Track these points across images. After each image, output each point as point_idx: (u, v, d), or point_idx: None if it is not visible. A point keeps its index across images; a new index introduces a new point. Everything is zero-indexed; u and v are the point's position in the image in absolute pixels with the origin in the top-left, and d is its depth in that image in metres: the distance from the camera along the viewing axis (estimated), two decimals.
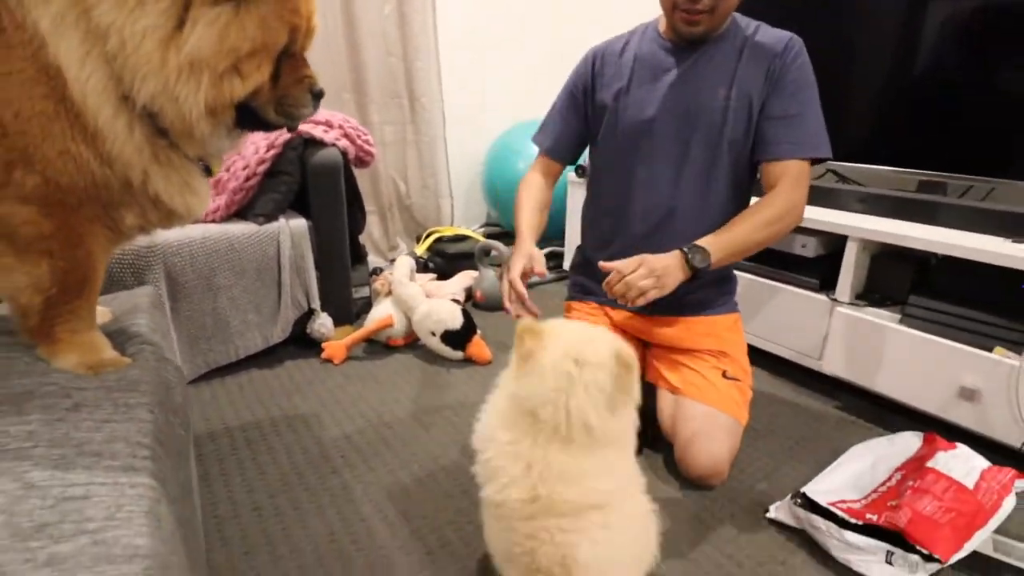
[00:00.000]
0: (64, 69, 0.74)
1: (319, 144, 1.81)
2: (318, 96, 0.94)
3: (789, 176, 1.23)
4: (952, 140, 1.65)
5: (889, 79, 1.77)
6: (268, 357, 1.88)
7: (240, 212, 1.79)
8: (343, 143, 1.87)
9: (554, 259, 2.79)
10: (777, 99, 1.25)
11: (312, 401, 1.67)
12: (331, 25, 2.52)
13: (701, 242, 1.19)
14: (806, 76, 1.25)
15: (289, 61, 0.87)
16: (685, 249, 1.17)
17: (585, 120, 1.45)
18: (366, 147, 1.97)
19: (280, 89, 0.88)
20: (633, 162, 1.37)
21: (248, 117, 0.86)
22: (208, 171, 0.93)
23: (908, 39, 1.70)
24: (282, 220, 1.82)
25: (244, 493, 1.28)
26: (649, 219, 1.36)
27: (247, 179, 1.76)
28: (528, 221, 1.40)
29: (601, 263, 1.19)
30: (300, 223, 1.85)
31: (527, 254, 1.30)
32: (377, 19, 2.62)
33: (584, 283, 1.53)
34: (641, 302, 1.14)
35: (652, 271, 1.14)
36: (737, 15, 1.32)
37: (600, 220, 1.47)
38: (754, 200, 1.30)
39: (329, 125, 1.86)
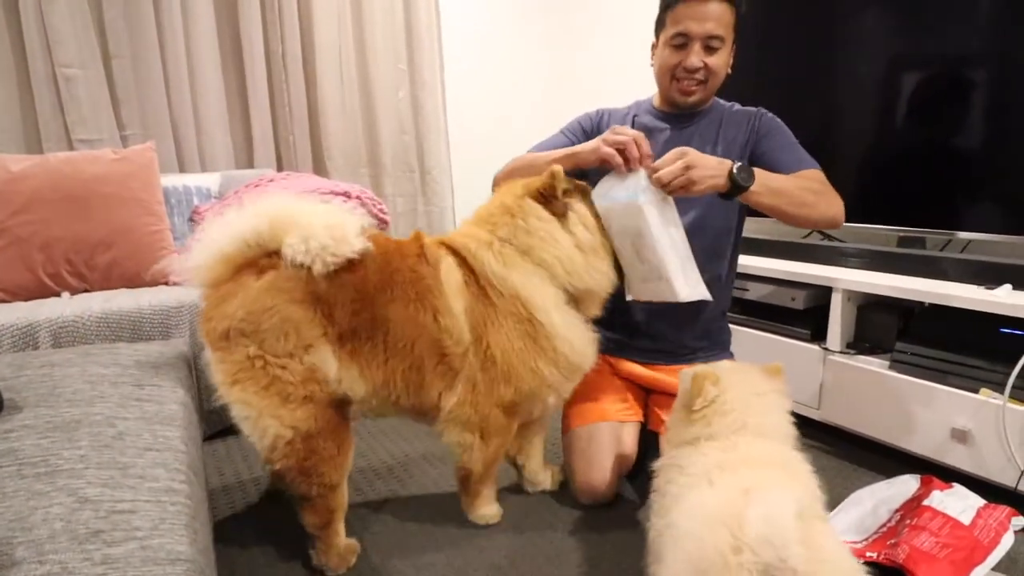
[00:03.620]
0: (540, 310, 1.19)
1: None
2: None
3: (815, 175, 1.33)
4: (928, 198, 1.77)
5: (865, 145, 1.93)
6: None
7: None
8: (359, 212, 2.01)
9: None
10: (766, 141, 1.40)
11: None
12: (350, 106, 2.75)
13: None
14: (782, 125, 1.42)
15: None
16: (735, 161, 1.20)
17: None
18: (381, 215, 2.12)
19: None
20: None
21: None
22: None
23: (883, 106, 1.86)
24: None
25: (256, 544, 1.31)
26: None
27: None
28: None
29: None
30: None
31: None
32: (392, 101, 2.85)
33: None
34: (679, 184, 1.14)
35: (684, 153, 1.16)
36: (716, 99, 1.48)
37: None
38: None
39: (347, 195, 2.01)
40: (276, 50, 2.54)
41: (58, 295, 1.76)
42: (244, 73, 2.50)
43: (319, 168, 2.72)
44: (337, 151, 2.72)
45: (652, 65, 1.46)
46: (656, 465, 1.04)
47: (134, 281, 1.82)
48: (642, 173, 1.19)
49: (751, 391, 1.00)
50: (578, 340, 1.24)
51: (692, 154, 1.16)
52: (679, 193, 1.18)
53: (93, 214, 1.79)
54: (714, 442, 0.94)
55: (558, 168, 1.22)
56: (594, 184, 1.32)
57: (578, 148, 1.33)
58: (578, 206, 1.26)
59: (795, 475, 0.87)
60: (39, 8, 2.05)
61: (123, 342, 1.52)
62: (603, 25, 3.15)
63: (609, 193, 1.24)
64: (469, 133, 3.15)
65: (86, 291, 1.80)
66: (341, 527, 1.22)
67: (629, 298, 1.34)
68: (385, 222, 2.17)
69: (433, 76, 2.92)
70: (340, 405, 1.16)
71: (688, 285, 1.23)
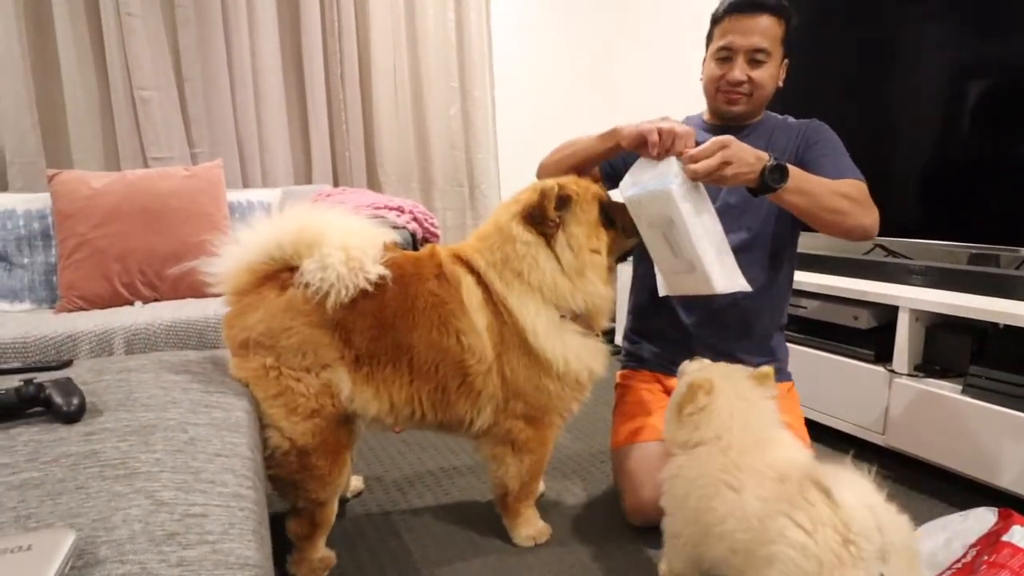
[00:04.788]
0: (531, 333, 1.19)
1: (392, 227, 2.01)
2: None
3: (853, 184, 1.27)
4: (1002, 214, 1.67)
5: (932, 157, 1.84)
6: None
7: None
8: (412, 226, 2.07)
9: (605, 335, 2.84)
10: (814, 149, 1.36)
11: (375, 466, 1.75)
12: (404, 124, 2.83)
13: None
14: (833, 138, 1.37)
15: (611, 208, 1.26)
16: (772, 154, 1.15)
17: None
18: (432, 229, 2.17)
19: (619, 224, 1.26)
20: None
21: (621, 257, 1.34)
22: None
23: (950, 116, 1.78)
24: None
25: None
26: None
27: None
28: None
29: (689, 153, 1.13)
30: None
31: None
32: (444, 119, 2.92)
33: (636, 351, 1.59)
34: (712, 178, 1.10)
35: (724, 145, 1.10)
36: (769, 112, 1.45)
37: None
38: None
39: (401, 210, 2.07)
40: (335, 73, 2.64)
41: (131, 304, 1.87)
42: (305, 95, 2.62)
43: (373, 183, 2.80)
44: (391, 167, 2.80)
45: (701, 79, 1.46)
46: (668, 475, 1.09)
47: (200, 291, 1.91)
48: (673, 159, 1.14)
49: (738, 397, 1.05)
50: (574, 357, 1.22)
51: (732, 148, 1.11)
52: (710, 184, 1.15)
53: (165, 228, 1.90)
54: (707, 447, 1.01)
55: (549, 185, 1.18)
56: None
57: (621, 125, 1.25)
58: (571, 224, 1.21)
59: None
60: (121, 36, 2.20)
61: (190, 349, 1.60)
62: (653, 42, 3.14)
63: (638, 183, 1.18)
64: (518, 148, 3.18)
65: (156, 300, 1.90)
66: (321, 542, 1.23)
67: (662, 294, 1.30)
68: (436, 236, 2.21)
69: (484, 93, 2.98)
70: (344, 423, 1.17)
71: (725, 276, 1.16)
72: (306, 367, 1.11)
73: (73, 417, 0.88)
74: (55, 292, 1.91)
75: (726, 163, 1.10)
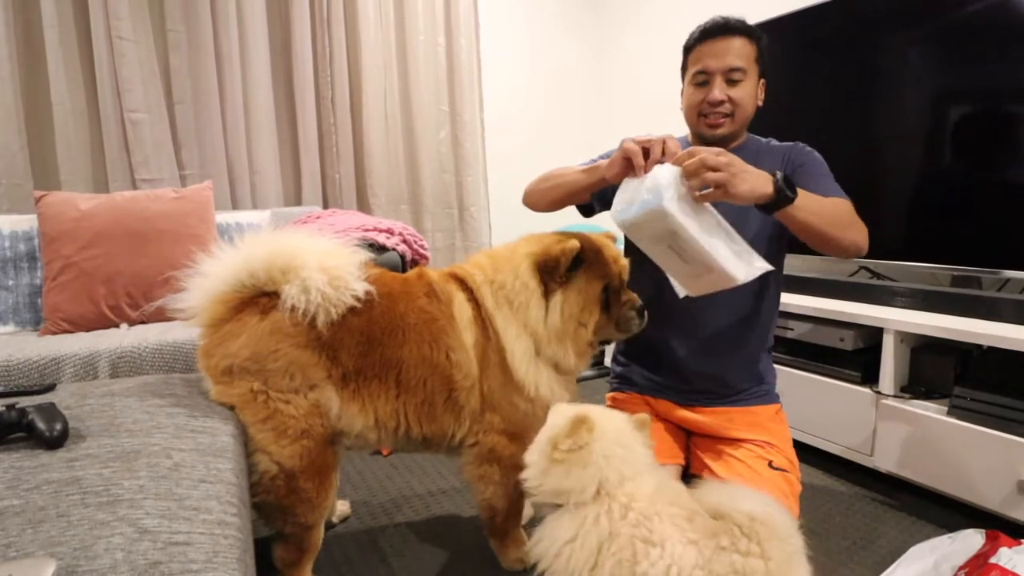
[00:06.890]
0: (509, 354, 1.23)
1: (382, 249, 2.01)
2: (641, 311, 1.30)
3: (844, 203, 1.27)
4: (982, 237, 1.71)
5: (916, 181, 1.88)
6: None
7: None
8: (401, 248, 2.07)
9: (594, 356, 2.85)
10: (800, 171, 1.35)
11: (362, 491, 1.73)
12: (394, 146, 2.85)
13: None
14: (820, 161, 1.39)
15: (615, 294, 1.28)
16: (779, 172, 1.11)
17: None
18: (421, 251, 2.17)
19: (614, 314, 1.28)
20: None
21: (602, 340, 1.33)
22: None
23: (933, 141, 1.82)
24: None
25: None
26: (683, 304, 1.38)
27: None
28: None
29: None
30: None
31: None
32: (434, 142, 2.94)
33: (626, 374, 1.59)
34: (716, 180, 1.04)
35: (730, 159, 1.06)
36: (752, 135, 1.48)
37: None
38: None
39: (390, 232, 2.07)
40: (326, 95, 2.66)
41: (117, 326, 1.85)
42: (295, 117, 2.63)
43: (363, 205, 2.81)
44: (380, 189, 2.81)
45: (681, 108, 1.48)
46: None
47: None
48: (658, 169, 1.09)
49: (617, 443, 0.98)
50: (544, 385, 1.25)
51: (734, 156, 1.08)
52: (716, 196, 1.08)
53: (153, 250, 1.89)
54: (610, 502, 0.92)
55: (572, 246, 1.19)
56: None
57: (601, 161, 1.26)
58: (571, 291, 1.23)
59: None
60: (112, 59, 2.21)
61: (176, 372, 1.58)
62: (643, 65, 3.20)
63: (629, 207, 1.12)
64: (507, 170, 3.22)
65: (142, 323, 1.88)
66: (308, 569, 1.22)
67: (682, 295, 1.23)
68: (425, 258, 2.22)
69: (473, 117, 3.01)
70: (331, 443, 1.16)
71: (743, 264, 1.09)
72: (294, 388, 1.11)
73: (55, 443, 0.86)
74: (40, 314, 1.88)
75: (731, 164, 1.05)
